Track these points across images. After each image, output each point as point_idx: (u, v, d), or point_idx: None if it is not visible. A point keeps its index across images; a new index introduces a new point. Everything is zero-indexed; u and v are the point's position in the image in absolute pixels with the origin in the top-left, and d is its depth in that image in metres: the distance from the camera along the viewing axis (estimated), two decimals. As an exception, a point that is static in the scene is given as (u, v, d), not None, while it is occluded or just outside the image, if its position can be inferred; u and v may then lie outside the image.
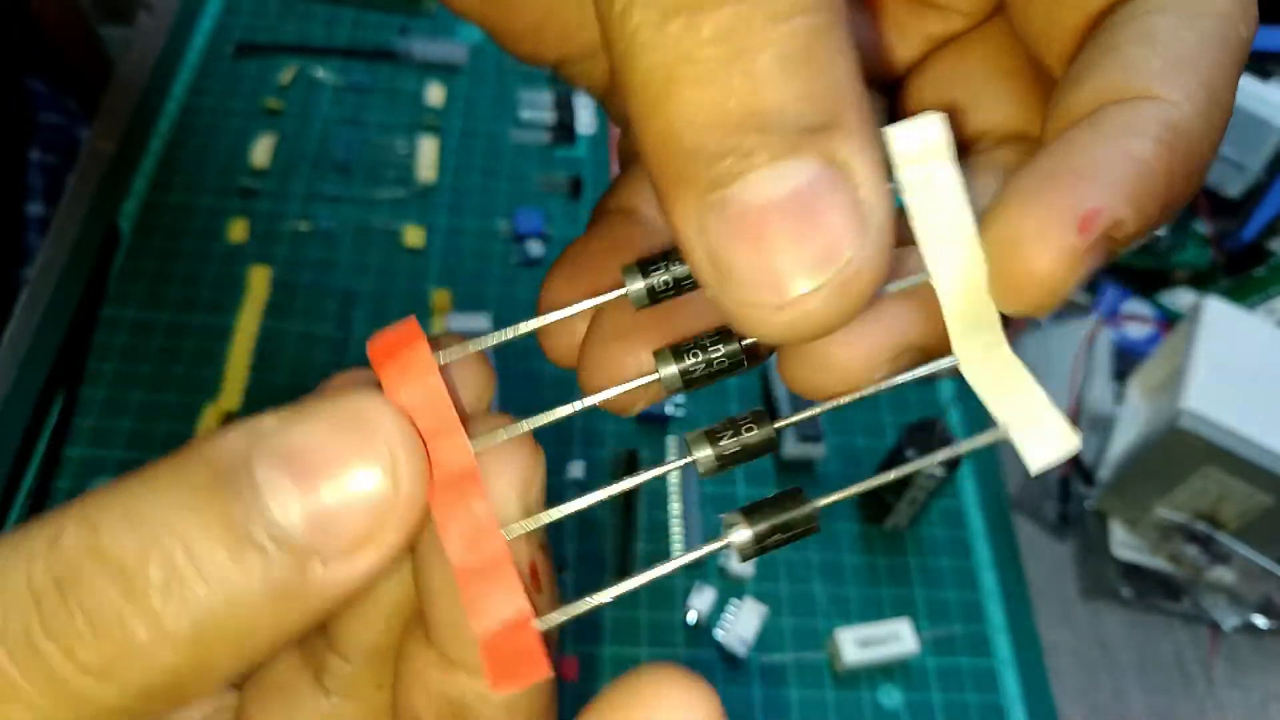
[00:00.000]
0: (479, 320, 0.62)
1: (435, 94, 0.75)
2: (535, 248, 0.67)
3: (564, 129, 0.74)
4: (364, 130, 0.72)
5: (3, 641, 0.15)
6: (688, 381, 0.18)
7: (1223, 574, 0.58)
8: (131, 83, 0.72)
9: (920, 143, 0.17)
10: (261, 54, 0.76)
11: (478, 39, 0.79)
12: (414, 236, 0.67)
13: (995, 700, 0.53)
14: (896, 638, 0.52)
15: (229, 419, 0.57)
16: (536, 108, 0.75)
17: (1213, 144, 0.18)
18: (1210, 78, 0.18)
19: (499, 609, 0.17)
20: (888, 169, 0.16)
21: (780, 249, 0.15)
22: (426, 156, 0.71)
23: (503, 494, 0.18)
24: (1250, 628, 0.58)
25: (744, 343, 0.18)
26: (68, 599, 0.15)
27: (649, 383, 0.19)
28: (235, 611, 0.16)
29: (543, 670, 0.17)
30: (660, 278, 0.18)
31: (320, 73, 0.75)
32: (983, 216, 0.17)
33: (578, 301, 0.19)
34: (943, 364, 0.18)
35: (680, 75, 0.15)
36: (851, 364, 0.18)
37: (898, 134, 0.17)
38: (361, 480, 0.16)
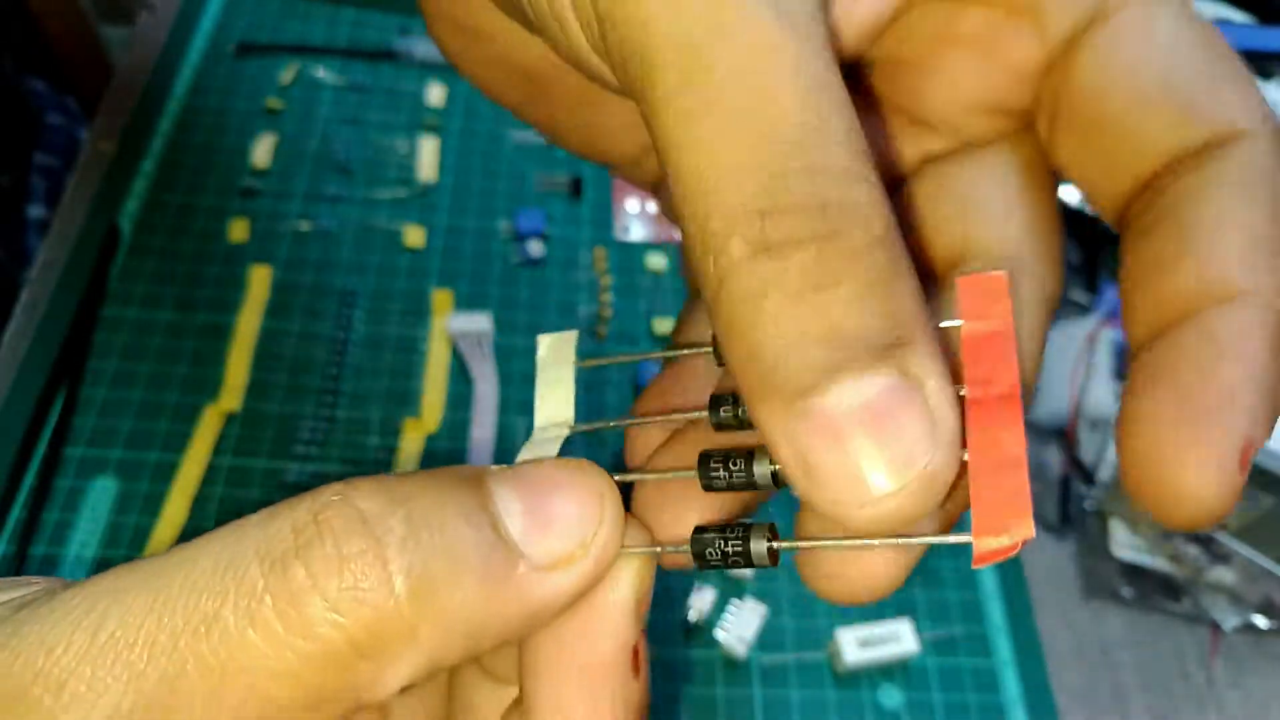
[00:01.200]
0: (480, 320, 0.62)
1: (436, 94, 0.75)
2: (535, 248, 0.67)
3: (564, 129, 0.74)
4: (364, 130, 0.72)
5: (261, 561, 0.18)
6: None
7: (1223, 574, 0.58)
8: (132, 83, 0.72)
9: (555, 349, 0.22)
10: (262, 54, 0.76)
11: (478, 39, 0.79)
12: (414, 236, 0.67)
13: (996, 700, 0.53)
14: (897, 638, 0.53)
15: (230, 419, 0.57)
16: (537, 108, 0.75)
17: None
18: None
19: (1004, 514, 0.18)
20: (953, 379, 0.18)
21: (863, 454, 0.17)
22: (427, 156, 0.71)
23: (624, 592, 0.21)
24: (1251, 628, 0.58)
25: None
26: (321, 529, 0.18)
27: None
28: (450, 583, 0.18)
29: (1025, 521, 0.18)
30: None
31: (321, 72, 0.75)
32: (1127, 438, 0.19)
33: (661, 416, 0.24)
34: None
35: (769, 300, 0.17)
36: (879, 581, 0.21)
37: (541, 340, 0.22)
38: (573, 501, 0.20)
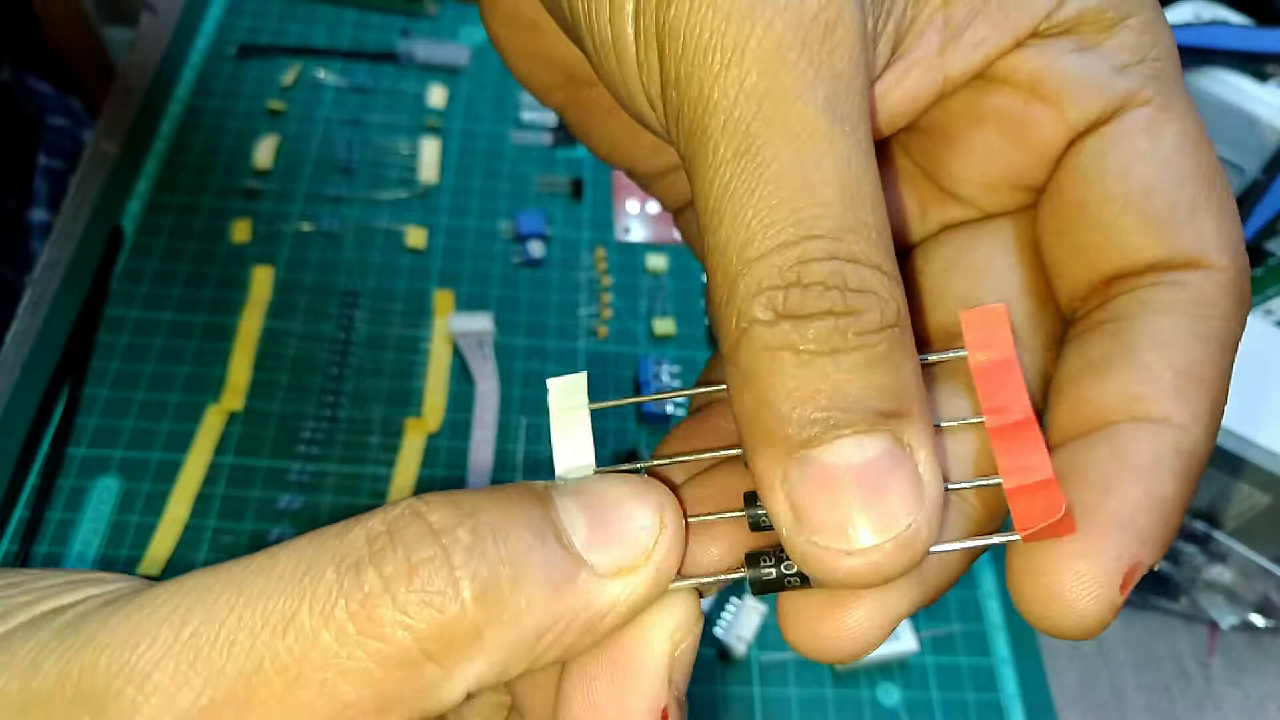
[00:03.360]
0: (481, 320, 0.62)
1: (437, 95, 0.75)
2: (536, 248, 0.67)
3: (565, 130, 0.75)
4: (366, 131, 0.73)
5: (336, 566, 0.18)
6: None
7: (1221, 573, 0.58)
8: (134, 84, 0.73)
9: (566, 393, 0.23)
10: (264, 55, 0.76)
11: (479, 41, 0.79)
12: (416, 237, 0.67)
13: (994, 698, 0.53)
14: (895, 636, 0.53)
15: (232, 419, 0.58)
16: (538, 109, 0.75)
17: (1210, 452, 0.21)
18: (1215, 392, 0.21)
19: (1045, 529, 0.19)
20: (936, 451, 0.19)
21: (854, 508, 0.18)
22: (428, 157, 0.71)
23: (655, 649, 0.21)
24: (1248, 626, 0.58)
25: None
26: (393, 538, 0.19)
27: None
28: (515, 588, 0.19)
29: (1069, 526, 0.19)
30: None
31: (322, 74, 0.75)
32: (1014, 546, 0.20)
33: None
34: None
35: (783, 360, 0.18)
36: (864, 641, 0.21)
37: (551, 385, 0.23)
38: (635, 514, 0.20)
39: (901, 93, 0.23)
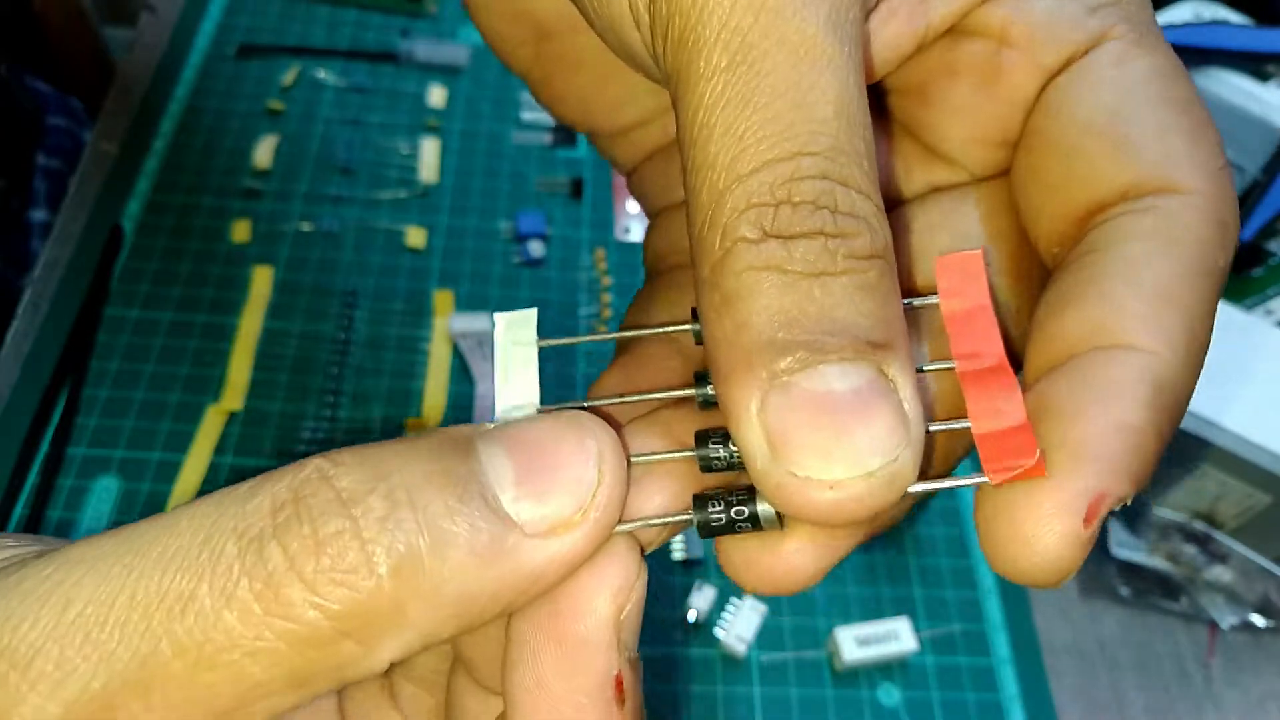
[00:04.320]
0: (481, 320, 0.62)
1: (437, 95, 0.75)
2: (536, 248, 0.67)
3: (565, 130, 0.75)
4: (366, 131, 0.73)
5: (238, 540, 0.17)
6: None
7: (1221, 573, 0.58)
8: (134, 84, 0.73)
9: (514, 327, 0.22)
10: (264, 55, 0.76)
11: (479, 41, 0.79)
12: (416, 237, 0.67)
13: (994, 698, 0.53)
14: (895, 636, 0.53)
15: (232, 419, 0.58)
16: (538, 109, 0.75)
17: (1193, 384, 0.19)
18: (1191, 316, 0.19)
19: (1004, 423, 0.19)
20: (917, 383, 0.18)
21: (838, 436, 0.17)
22: (428, 157, 0.71)
23: (601, 601, 0.19)
24: (1248, 626, 0.58)
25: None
26: (299, 508, 0.17)
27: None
28: (437, 559, 0.17)
29: (1039, 468, 0.18)
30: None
31: (322, 74, 0.75)
32: (983, 491, 0.19)
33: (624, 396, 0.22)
34: None
35: (768, 281, 0.17)
36: (795, 575, 0.20)
37: (498, 319, 0.22)
38: (569, 461, 0.19)
39: (885, 38, 0.23)
